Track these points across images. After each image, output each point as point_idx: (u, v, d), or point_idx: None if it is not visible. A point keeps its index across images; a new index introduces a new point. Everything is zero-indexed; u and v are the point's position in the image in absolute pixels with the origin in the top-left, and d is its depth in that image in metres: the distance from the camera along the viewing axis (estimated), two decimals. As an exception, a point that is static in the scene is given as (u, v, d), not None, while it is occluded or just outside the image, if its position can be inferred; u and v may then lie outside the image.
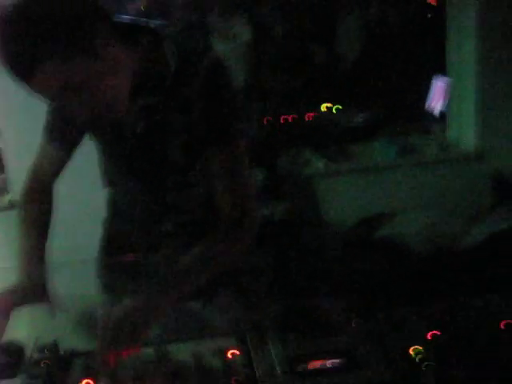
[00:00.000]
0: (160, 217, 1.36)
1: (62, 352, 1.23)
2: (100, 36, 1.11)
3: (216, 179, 1.26)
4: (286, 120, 3.17)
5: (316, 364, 1.10)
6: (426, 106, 3.11)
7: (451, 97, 2.97)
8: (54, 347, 1.23)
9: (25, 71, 1.09)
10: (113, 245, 1.47)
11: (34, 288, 1.34)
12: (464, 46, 2.93)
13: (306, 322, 1.23)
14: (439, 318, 1.20)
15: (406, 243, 2.35)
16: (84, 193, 2.02)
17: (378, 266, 2.16)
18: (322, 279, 1.98)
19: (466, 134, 2.94)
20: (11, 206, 2.40)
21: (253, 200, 1.29)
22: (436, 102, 3.07)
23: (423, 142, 2.92)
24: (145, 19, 4.75)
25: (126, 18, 4.86)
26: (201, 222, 1.35)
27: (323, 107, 3.32)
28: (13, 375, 1.18)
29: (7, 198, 2.45)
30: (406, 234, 2.42)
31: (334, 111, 3.27)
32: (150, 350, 1.18)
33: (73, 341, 1.26)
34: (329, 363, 1.10)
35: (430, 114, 3.09)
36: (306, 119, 3.21)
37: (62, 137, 1.38)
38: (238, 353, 1.16)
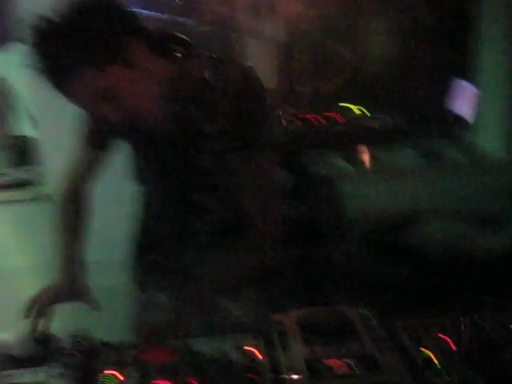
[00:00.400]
0: (189, 217, 1.41)
1: (93, 343, 1.30)
2: (133, 45, 1.17)
3: (242, 181, 1.31)
4: (310, 121, 3.20)
5: (336, 365, 1.14)
6: (452, 111, 3.11)
7: (478, 102, 2.96)
8: (86, 338, 1.30)
9: (60, 81, 1.15)
10: (144, 243, 1.52)
11: (70, 286, 1.42)
12: (494, 51, 2.92)
13: (327, 325, 1.26)
14: (460, 328, 1.21)
15: (428, 249, 2.36)
16: (116, 193, 2.07)
17: (399, 272, 2.18)
18: (342, 283, 2.01)
19: (492, 139, 2.93)
20: (46, 198, 2.48)
21: (278, 202, 1.34)
22: (462, 107, 3.06)
23: (448, 147, 2.92)
24: (175, 17, 4.81)
25: (155, 14, 4.92)
26: (228, 222, 1.40)
27: (348, 110, 3.34)
28: (46, 364, 1.24)
29: (42, 190, 2.52)
30: (429, 240, 2.43)
31: (358, 114, 3.28)
32: (175, 343, 1.23)
33: (104, 332, 1.32)
34: (348, 365, 1.13)
35: (456, 119, 3.08)
36: (331, 121, 3.22)
37: (96, 141, 1.45)
38: (259, 351, 1.20)
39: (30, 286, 1.50)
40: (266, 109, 1.32)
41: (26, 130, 2.92)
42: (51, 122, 2.41)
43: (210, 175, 1.36)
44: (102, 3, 1.18)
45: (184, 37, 1.37)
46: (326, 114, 3.26)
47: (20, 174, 2.72)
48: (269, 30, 3.99)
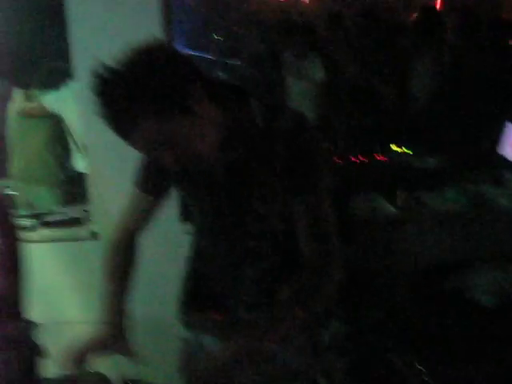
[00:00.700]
0: (242, 261, 1.43)
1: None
2: (193, 93, 1.21)
3: (299, 225, 1.32)
4: (354, 162, 3.20)
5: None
6: (500, 153, 3.06)
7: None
8: (136, 382, 1.33)
9: (121, 127, 1.19)
10: (195, 287, 1.54)
11: (115, 338, 1.43)
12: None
13: (373, 373, 1.26)
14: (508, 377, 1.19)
15: (474, 296, 2.32)
16: (167, 238, 2.11)
17: (444, 318, 2.15)
18: (388, 328, 1.98)
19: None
20: (93, 236, 2.54)
21: (335, 245, 1.33)
22: (511, 149, 3.02)
23: (495, 192, 2.87)
24: (223, 58, 4.93)
25: (204, 56, 5.06)
26: (281, 268, 1.41)
27: (392, 150, 3.33)
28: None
29: (90, 228, 2.58)
30: (475, 286, 2.38)
31: (403, 155, 3.27)
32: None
33: (155, 377, 1.33)
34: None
35: (504, 162, 3.03)
36: (375, 162, 3.22)
37: (152, 187, 1.48)
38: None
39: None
40: (319, 153, 1.34)
41: (78, 167, 3.03)
42: (103, 160, 2.49)
43: (263, 220, 1.38)
44: (164, 51, 1.22)
45: (239, 84, 1.41)
46: (368, 154, 3.26)
47: (71, 211, 2.80)
48: (310, 68, 4.05)
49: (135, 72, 1.17)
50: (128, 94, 1.16)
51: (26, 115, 3.01)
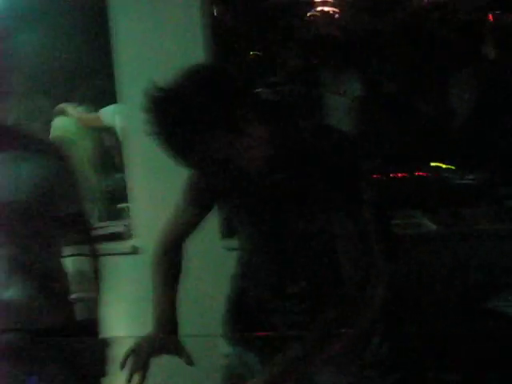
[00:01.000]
0: (287, 279, 1.44)
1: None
2: (244, 114, 1.24)
3: (341, 242, 1.33)
4: (394, 178, 3.18)
5: None
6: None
7: None
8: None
9: (174, 145, 1.23)
10: (240, 304, 1.56)
11: (167, 339, 1.47)
12: None
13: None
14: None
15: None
16: (211, 252, 2.14)
17: (484, 337, 2.10)
18: (430, 346, 1.96)
19: None
20: (134, 250, 2.59)
21: (378, 261, 1.34)
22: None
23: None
24: (261, 75, 4.97)
25: (243, 73, 5.10)
26: (328, 284, 1.41)
27: (433, 166, 3.30)
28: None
29: (131, 242, 2.63)
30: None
31: (444, 170, 3.24)
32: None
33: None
34: None
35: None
36: (415, 178, 3.19)
37: (200, 201, 1.52)
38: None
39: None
40: (360, 169, 1.36)
41: (123, 182, 3.09)
42: (146, 175, 2.54)
43: (308, 237, 1.39)
44: (216, 72, 1.27)
45: (285, 103, 1.44)
46: (408, 170, 3.24)
47: (112, 226, 2.86)
48: (346, 83, 4.04)
49: (188, 92, 1.21)
50: (182, 113, 1.20)
51: (81, 124, 3.13)
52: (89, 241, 1.78)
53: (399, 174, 3.20)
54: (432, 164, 3.29)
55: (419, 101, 3.95)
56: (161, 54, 2.27)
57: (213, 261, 2.22)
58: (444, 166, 3.25)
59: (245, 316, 1.52)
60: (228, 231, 1.58)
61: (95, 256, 1.76)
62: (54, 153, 1.69)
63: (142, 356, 1.43)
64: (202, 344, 1.62)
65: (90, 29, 3.29)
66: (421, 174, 3.19)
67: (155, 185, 2.50)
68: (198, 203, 1.52)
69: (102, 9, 2.48)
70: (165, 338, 1.47)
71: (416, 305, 2.35)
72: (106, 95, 3.01)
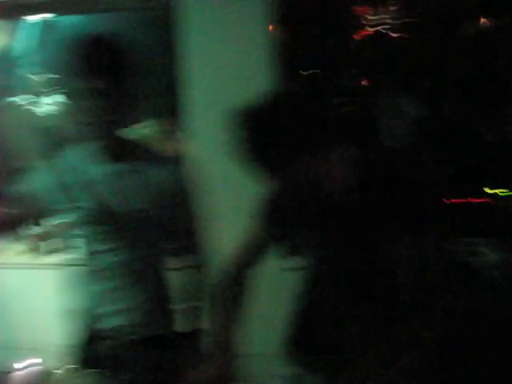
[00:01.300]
0: (351, 301, 1.44)
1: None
2: (325, 134, 1.28)
3: (403, 266, 1.34)
4: (452, 204, 3.12)
5: None
6: None
7: None
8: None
9: (265, 167, 1.27)
10: (303, 326, 1.54)
11: (223, 375, 1.47)
12: None
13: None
14: None
15: None
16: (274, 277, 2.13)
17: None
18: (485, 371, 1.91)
19: None
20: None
21: (436, 289, 1.35)
22: None
23: None
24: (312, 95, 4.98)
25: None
26: (390, 308, 1.40)
27: (490, 192, 3.23)
28: None
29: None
30: None
31: (504, 197, 3.16)
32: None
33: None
34: None
35: None
36: (474, 204, 3.13)
37: (272, 226, 1.52)
38: None
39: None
40: (429, 194, 1.38)
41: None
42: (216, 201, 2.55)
43: (373, 260, 1.39)
44: (299, 94, 1.30)
45: (359, 127, 1.46)
46: (466, 195, 3.18)
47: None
48: (406, 106, 4.01)
49: (279, 115, 1.25)
50: (271, 136, 1.25)
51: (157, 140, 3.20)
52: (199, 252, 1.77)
53: (457, 200, 3.15)
54: (493, 190, 3.22)
55: (478, 124, 3.88)
56: (227, 76, 2.31)
57: (269, 281, 2.21)
58: (506, 192, 3.18)
59: (309, 338, 1.51)
60: (294, 252, 1.58)
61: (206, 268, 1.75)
62: (177, 164, 1.75)
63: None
64: (265, 365, 1.63)
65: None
66: (481, 199, 3.12)
67: (226, 209, 2.50)
68: (269, 228, 1.52)
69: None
70: (220, 372, 1.47)
71: (477, 333, 2.29)
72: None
